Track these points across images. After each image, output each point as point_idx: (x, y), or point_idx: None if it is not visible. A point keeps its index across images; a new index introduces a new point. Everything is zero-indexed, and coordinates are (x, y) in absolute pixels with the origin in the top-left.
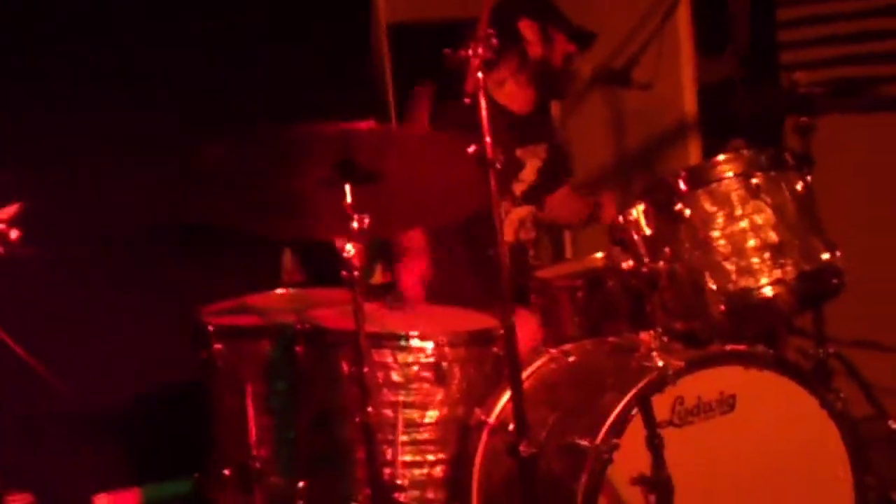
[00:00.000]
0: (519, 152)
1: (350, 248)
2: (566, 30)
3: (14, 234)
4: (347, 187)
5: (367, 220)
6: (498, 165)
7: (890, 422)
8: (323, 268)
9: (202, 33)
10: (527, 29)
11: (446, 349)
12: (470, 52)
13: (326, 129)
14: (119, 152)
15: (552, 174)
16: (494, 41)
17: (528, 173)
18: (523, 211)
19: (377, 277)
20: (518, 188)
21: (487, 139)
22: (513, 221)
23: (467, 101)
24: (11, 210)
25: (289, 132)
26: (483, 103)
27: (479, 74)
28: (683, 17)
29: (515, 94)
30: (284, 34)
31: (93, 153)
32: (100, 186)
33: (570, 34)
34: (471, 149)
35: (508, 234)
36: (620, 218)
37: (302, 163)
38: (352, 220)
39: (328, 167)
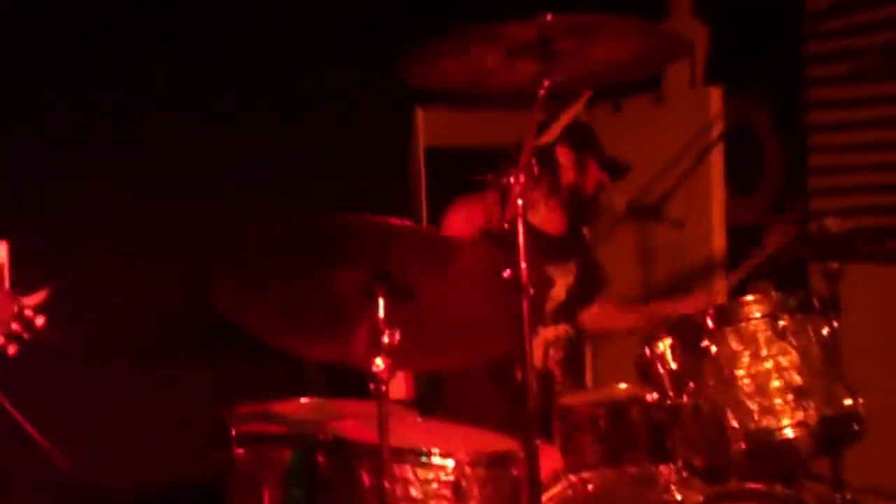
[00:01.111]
0: (549, 269)
1: (380, 363)
2: (600, 159)
3: (40, 321)
4: (381, 301)
5: (397, 336)
6: (531, 290)
7: None
8: (349, 380)
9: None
10: (563, 155)
11: (467, 468)
12: (512, 179)
13: (368, 222)
14: (154, 237)
15: (582, 292)
16: (536, 170)
17: (558, 291)
18: (552, 331)
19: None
20: (547, 306)
21: (523, 265)
22: (540, 342)
23: (506, 226)
24: (39, 297)
25: (328, 221)
26: (521, 230)
27: (520, 202)
28: (716, 159)
29: (546, 217)
30: (336, 143)
31: (125, 238)
32: (131, 273)
33: (603, 164)
34: (506, 273)
35: (535, 358)
36: (647, 350)
37: (338, 262)
38: (383, 333)
39: (364, 273)
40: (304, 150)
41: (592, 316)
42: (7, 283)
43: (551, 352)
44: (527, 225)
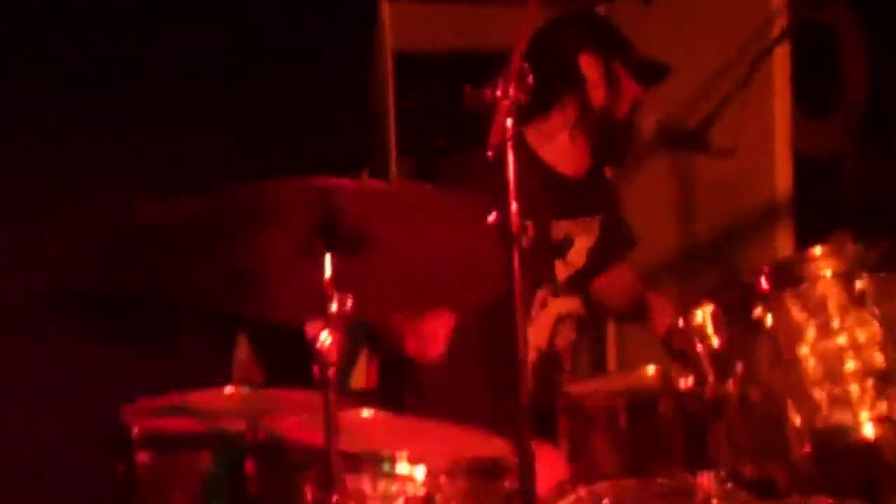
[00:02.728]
0: (567, 226)
1: (325, 338)
2: (633, 66)
3: None
4: (328, 258)
5: (349, 302)
6: (525, 241)
7: None
8: (288, 362)
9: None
10: (589, 66)
11: (442, 479)
12: (498, 91)
13: (300, 190)
14: (48, 204)
15: (607, 255)
16: (531, 79)
17: (577, 254)
18: (566, 304)
19: (358, 379)
20: (563, 272)
21: (514, 206)
22: (549, 318)
23: (490, 154)
24: None
25: (249, 192)
26: (511, 159)
27: (509, 122)
28: (780, 67)
29: (569, 153)
30: (259, 59)
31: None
32: (21, 240)
33: (637, 71)
34: (491, 217)
35: (540, 337)
36: (681, 322)
37: (269, 228)
38: (331, 300)
39: (304, 231)
40: (235, 66)
41: (610, 283)
42: None
43: (561, 330)
44: (539, 164)
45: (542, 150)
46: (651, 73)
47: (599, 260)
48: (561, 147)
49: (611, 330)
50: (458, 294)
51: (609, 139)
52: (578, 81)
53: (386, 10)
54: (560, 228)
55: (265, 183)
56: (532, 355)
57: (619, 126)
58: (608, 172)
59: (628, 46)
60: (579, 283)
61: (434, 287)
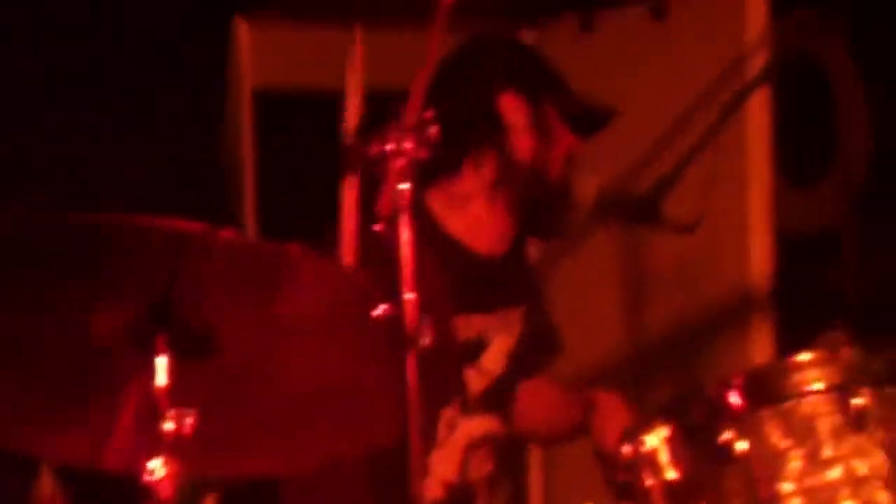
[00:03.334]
0: (480, 322)
1: (157, 468)
2: (569, 110)
3: None
4: (162, 361)
5: (190, 420)
6: (426, 341)
7: None
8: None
9: None
10: (512, 109)
11: None
12: (390, 145)
13: (131, 226)
14: None
15: (532, 359)
16: (434, 131)
17: (494, 359)
18: (480, 425)
19: None
20: (476, 383)
21: (409, 296)
22: (459, 444)
23: (379, 228)
24: None
25: (52, 225)
26: (405, 235)
27: (405, 186)
28: (757, 117)
29: (484, 224)
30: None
31: None
32: None
33: (573, 117)
34: (378, 310)
35: (449, 468)
36: (628, 448)
37: (85, 292)
38: (163, 417)
39: (132, 309)
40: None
41: (528, 397)
42: None
43: (474, 460)
44: (446, 239)
45: (450, 220)
46: (591, 120)
47: (521, 366)
48: (474, 217)
49: (534, 457)
50: (337, 440)
51: (538, 205)
52: (497, 129)
53: (244, 35)
54: (471, 326)
55: (70, 219)
56: (437, 492)
57: (550, 187)
58: (528, 250)
59: (562, 84)
60: (497, 397)
61: (307, 425)
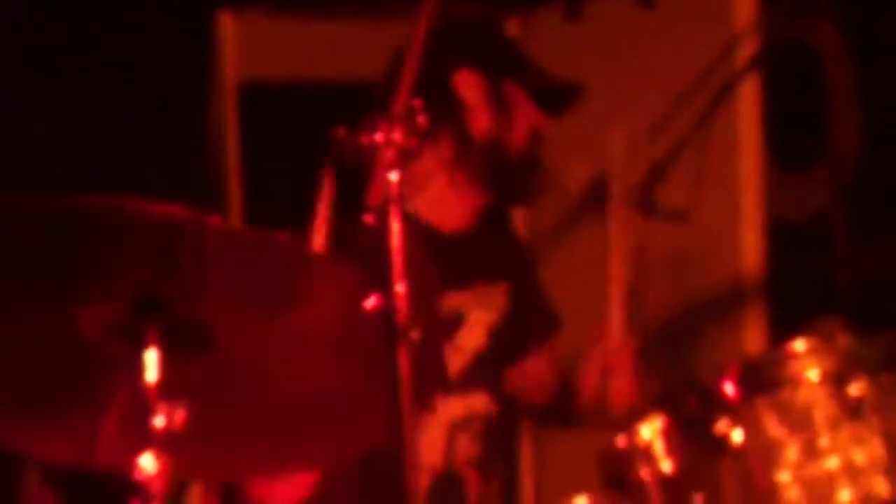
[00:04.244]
0: (455, 299)
1: (148, 465)
2: (532, 87)
3: None
4: (152, 355)
5: (181, 414)
6: (415, 335)
7: None
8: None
9: None
10: (468, 86)
11: None
12: (379, 136)
13: (119, 213)
14: None
15: (516, 336)
16: (423, 120)
17: (472, 335)
18: (463, 404)
19: None
20: (455, 361)
21: (399, 287)
22: (442, 426)
23: (370, 220)
24: None
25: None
26: (397, 227)
27: (394, 176)
28: (748, 103)
29: (447, 202)
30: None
31: None
32: None
33: (538, 94)
34: (370, 302)
35: (433, 453)
36: (622, 441)
37: (71, 285)
38: (154, 410)
39: (122, 303)
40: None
41: (523, 378)
42: None
43: (460, 442)
44: (410, 220)
45: (415, 201)
46: (557, 96)
47: (509, 342)
48: (437, 196)
49: (526, 444)
50: (330, 441)
51: (501, 179)
52: (453, 106)
53: (228, 27)
54: (445, 303)
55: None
56: (423, 480)
57: (513, 162)
58: (518, 218)
59: (524, 62)
60: (480, 374)
61: (299, 425)
